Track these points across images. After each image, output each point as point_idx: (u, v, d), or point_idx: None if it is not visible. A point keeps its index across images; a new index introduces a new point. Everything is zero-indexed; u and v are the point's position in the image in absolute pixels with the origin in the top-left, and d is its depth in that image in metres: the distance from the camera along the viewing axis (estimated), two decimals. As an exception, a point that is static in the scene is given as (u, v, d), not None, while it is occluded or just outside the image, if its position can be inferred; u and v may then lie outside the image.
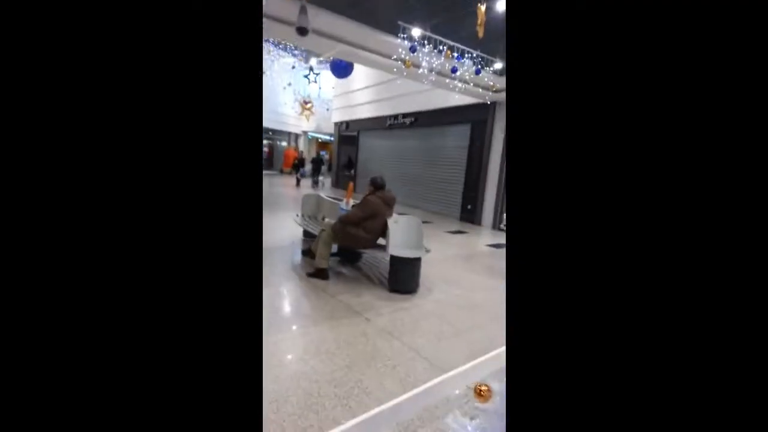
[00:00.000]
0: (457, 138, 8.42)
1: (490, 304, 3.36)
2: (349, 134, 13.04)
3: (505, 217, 7.39)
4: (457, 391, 1.69)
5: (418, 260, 3.38)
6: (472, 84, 5.40)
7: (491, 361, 1.57)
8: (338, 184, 14.00)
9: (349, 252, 4.15)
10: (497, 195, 7.51)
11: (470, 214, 8.06)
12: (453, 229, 7.14)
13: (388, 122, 10.58)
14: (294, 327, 2.59)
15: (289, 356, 2.21)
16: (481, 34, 3.28)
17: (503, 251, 5.69)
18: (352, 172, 12.84)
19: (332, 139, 15.89)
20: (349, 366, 2.15)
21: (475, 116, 7.79)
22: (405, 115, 9.88)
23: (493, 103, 7.23)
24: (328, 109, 15.08)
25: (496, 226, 7.52)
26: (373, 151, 11.78)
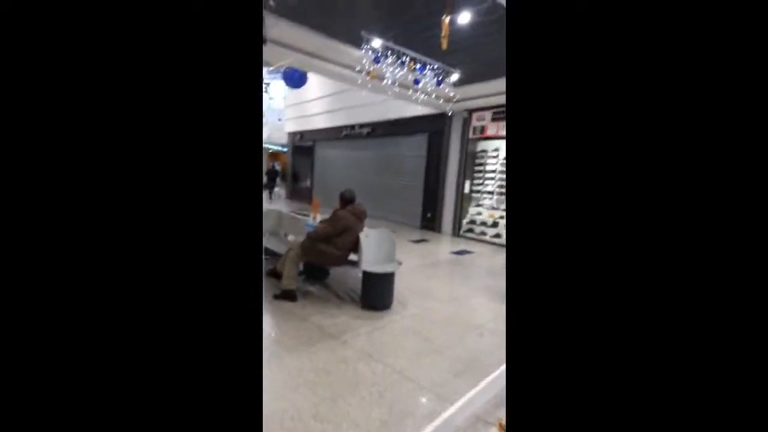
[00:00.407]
0: (415, 148, 8.52)
1: (462, 315, 3.34)
2: (304, 145, 12.74)
3: (464, 223, 7.56)
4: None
5: (392, 275, 3.29)
6: (433, 95, 5.47)
7: (491, 385, 1.51)
8: (292, 196, 13.62)
9: (315, 269, 3.95)
10: (455, 203, 7.68)
11: (430, 223, 8.15)
12: (415, 238, 7.16)
13: (345, 132, 10.48)
14: (266, 357, 2.37)
15: (265, 393, 2.00)
16: (444, 45, 3.30)
17: (467, 258, 5.78)
18: (308, 183, 12.53)
19: (285, 149, 15.46)
20: (333, 398, 1.99)
21: (432, 127, 7.93)
22: (362, 126, 9.84)
23: (450, 114, 7.41)
24: (280, 119, 14.65)
25: (455, 233, 7.67)
26: (330, 161, 11.59)
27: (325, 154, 11.81)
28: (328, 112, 10.88)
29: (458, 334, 2.93)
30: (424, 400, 2.04)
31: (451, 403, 2.01)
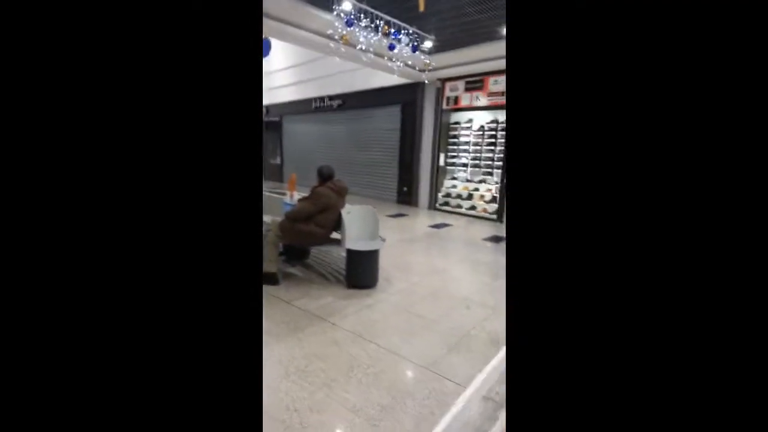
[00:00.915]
0: (388, 120, 8.29)
1: (447, 288, 3.34)
2: (270, 120, 12.14)
3: (440, 196, 7.56)
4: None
5: (376, 252, 3.20)
6: (410, 62, 5.23)
7: (496, 367, 1.48)
8: (262, 174, 13.08)
9: (294, 249, 3.80)
10: (431, 176, 7.62)
11: (407, 197, 8.09)
12: (392, 213, 7.09)
13: (314, 105, 10.03)
14: (253, 347, 2.25)
15: (256, 384, 1.90)
16: (422, 7, 3.10)
17: (445, 231, 5.80)
18: (277, 160, 12.05)
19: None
20: (328, 384, 1.92)
21: (404, 97, 7.71)
22: (332, 98, 9.43)
23: (422, 83, 7.21)
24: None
25: (432, 206, 7.66)
26: (299, 137, 11.13)
27: (294, 129, 11.32)
28: (295, 84, 10.34)
29: (446, 307, 2.91)
30: (422, 378, 2.01)
31: (450, 380, 2.00)
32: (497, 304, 3.02)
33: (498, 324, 2.68)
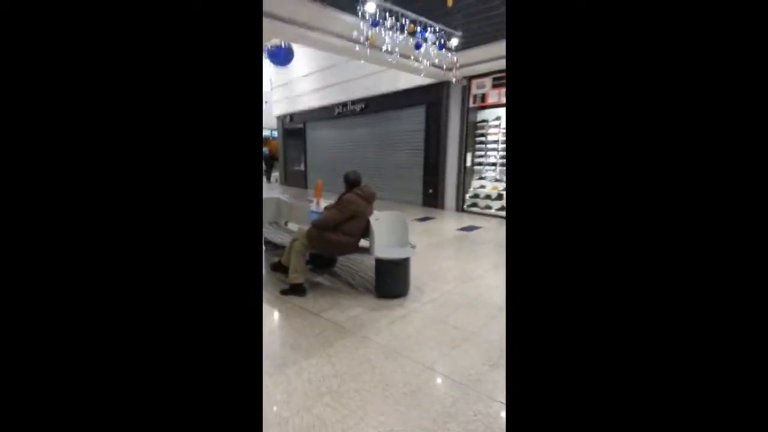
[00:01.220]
0: (412, 121, 8.13)
1: (484, 296, 3.13)
2: (294, 127, 12.25)
3: (467, 197, 7.31)
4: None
5: (407, 260, 3.04)
6: (436, 60, 5.05)
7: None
8: (286, 181, 13.23)
9: (321, 258, 3.70)
10: (458, 177, 7.40)
11: (433, 199, 7.89)
12: (419, 216, 6.91)
13: (337, 111, 10.01)
14: (282, 364, 2.14)
15: (286, 407, 1.78)
16: (450, 2, 2.94)
17: (475, 234, 5.56)
18: (301, 167, 12.12)
19: (273, 134, 14.91)
20: (362, 406, 1.78)
21: (429, 98, 7.54)
22: (354, 102, 9.38)
23: (447, 83, 7.01)
24: (266, 102, 14.04)
25: (459, 208, 7.43)
26: (323, 142, 11.15)
27: (317, 135, 11.36)
28: (317, 90, 10.38)
29: (484, 318, 2.72)
30: (464, 398, 1.83)
31: (496, 400, 1.81)
32: (540, 314, 2.79)
33: (543, 337, 2.45)
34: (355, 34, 4.05)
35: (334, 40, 4.38)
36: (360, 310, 2.84)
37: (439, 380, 1.99)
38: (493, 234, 5.58)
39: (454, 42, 4.65)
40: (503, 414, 1.73)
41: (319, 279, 3.52)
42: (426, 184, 8.04)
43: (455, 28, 4.37)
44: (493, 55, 5.64)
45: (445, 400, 1.83)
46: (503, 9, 4.02)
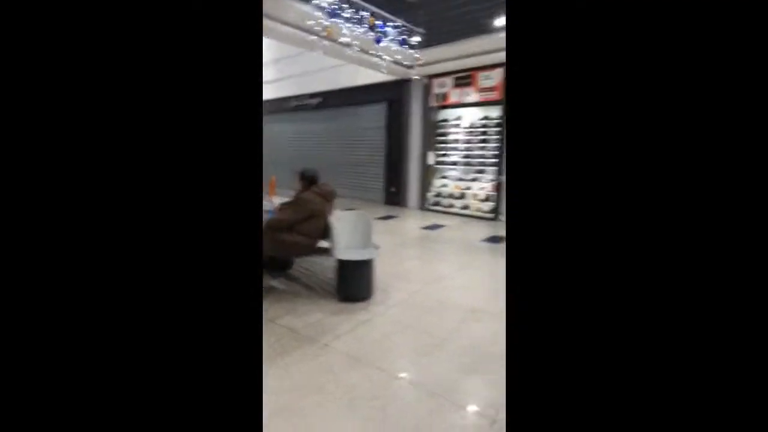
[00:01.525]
0: (373, 118, 7.97)
1: (454, 297, 3.05)
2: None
3: (430, 196, 7.30)
4: None
5: (371, 261, 2.88)
6: (399, 57, 4.91)
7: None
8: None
9: (275, 260, 3.42)
10: (420, 175, 7.36)
11: (395, 197, 7.79)
12: (382, 215, 6.77)
13: (293, 104, 9.62)
14: (233, 381, 1.89)
15: None
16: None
17: (439, 232, 5.53)
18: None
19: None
20: (326, 422, 1.59)
21: (389, 95, 7.42)
22: (311, 96, 9.06)
23: (409, 81, 6.93)
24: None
25: (422, 207, 7.39)
26: (276, 137, 10.67)
27: (272, 129, 10.86)
28: (272, 81, 9.89)
29: (454, 321, 2.62)
30: (438, 409, 1.70)
31: (473, 410, 1.70)
32: (507, 313, 2.75)
33: (512, 337, 2.39)
34: (310, 22, 3.81)
35: (289, 30, 4.10)
36: (320, 315, 2.63)
37: (410, 391, 1.84)
38: (458, 232, 5.58)
39: (416, 39, 4.55)
40: (482, 423, 1.62)
41: (274, 283, 3.26)
42: (388, 182, 7.93)
43: (418, 25, 4.27)
44: (456, 54, 5.63)
45: (418, 412, 1.68)
46: (466, 8, 3.98)
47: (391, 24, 4.06)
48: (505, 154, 6.09)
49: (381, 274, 3.41)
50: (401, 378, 1.94)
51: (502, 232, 5.40)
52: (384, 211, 7.27)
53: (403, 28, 4.17)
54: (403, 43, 4.22)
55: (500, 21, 4.61)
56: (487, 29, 4.70)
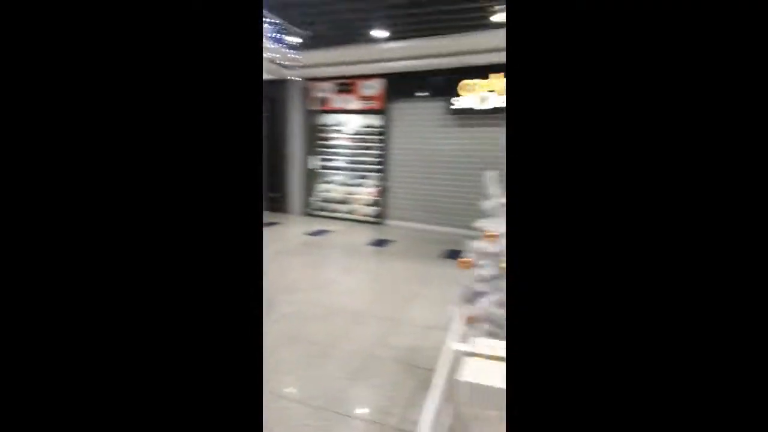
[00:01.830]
0: (252, 120, 7.49)
1: (340, 302, 3.05)
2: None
3: (314, 201, 7.21)
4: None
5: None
6: (277, 55, 4.67)
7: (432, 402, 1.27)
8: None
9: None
10: (302, 179, 7.21)
11: (278, 203, 7.45)
12: (264, 222, 6.40)
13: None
14: None
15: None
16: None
17: (324, 238, 5.49)
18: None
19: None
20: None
21: (267, 94, 7.08)
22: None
23: (289, 82, 6.73)
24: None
25: (305, 212, 7.25)
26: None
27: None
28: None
29: (340, 327, 2.62)
30: (327, 425, 1.66)
31: (356, 417, 1.71)
32: (396, 314, 2.87)
33: (403, 338, 2.50)
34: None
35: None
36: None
37: (296, 409, 1.76)
38: (343, 237, 5.62)
39: (295, 39, 4.44)
40: (372, 429, 1.64)
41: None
42: (270, 188, 7.54)
43: (295, 25, 4.17)
44: (337, 59, 5.68)
45: (305, 429, 1.62)
46: (350, 15, 4.05)
47: (267, 20, 3.87)
48: (387, 161, 6.40)
49: (265, 285, 3.20)
50: (287, 395, 1.84)
51: (387, 236, 5.66)
52: (267, 217, 6.88)
53: (281, 26, 4.01)
54: (279, 40, 4.06)
55: (379, 32, 4.82)
56: (366, 39, 4.86)
